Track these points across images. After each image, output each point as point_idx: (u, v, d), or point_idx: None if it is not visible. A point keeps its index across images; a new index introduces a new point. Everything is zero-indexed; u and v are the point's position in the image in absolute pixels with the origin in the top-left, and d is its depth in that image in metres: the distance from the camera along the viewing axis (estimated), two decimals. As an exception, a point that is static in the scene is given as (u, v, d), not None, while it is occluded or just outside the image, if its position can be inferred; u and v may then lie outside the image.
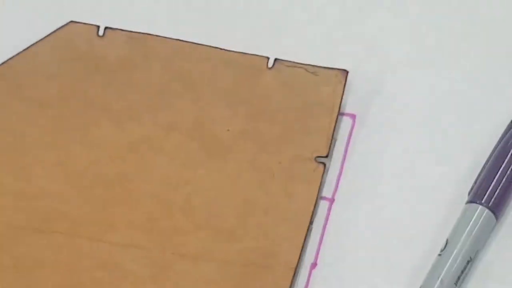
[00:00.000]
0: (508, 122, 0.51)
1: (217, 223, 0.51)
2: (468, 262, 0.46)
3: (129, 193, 0.53)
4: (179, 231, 0.51)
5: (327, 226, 0.49)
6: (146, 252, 0.50)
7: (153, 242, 0.51)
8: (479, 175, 0.48)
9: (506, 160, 0.48)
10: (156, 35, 0.58)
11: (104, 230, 0.51)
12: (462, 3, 0.60)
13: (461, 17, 0.59)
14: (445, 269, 0.45)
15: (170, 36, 0.57)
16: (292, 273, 0.47)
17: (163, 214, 0.52)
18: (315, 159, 0.51)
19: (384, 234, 0.49)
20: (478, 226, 0.46)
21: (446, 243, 0.46)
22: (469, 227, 0.46)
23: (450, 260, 0.46)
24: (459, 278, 0.46)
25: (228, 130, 0.53)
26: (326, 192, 0.50)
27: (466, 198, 0.48)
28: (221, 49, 0.56)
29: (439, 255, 0.46)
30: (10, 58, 0.56)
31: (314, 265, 0.48)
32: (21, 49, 0.56)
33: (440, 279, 0.45)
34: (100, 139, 0.54)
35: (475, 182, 0.48)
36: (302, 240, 0.48)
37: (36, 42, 0.57)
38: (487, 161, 0.49)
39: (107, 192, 0.53)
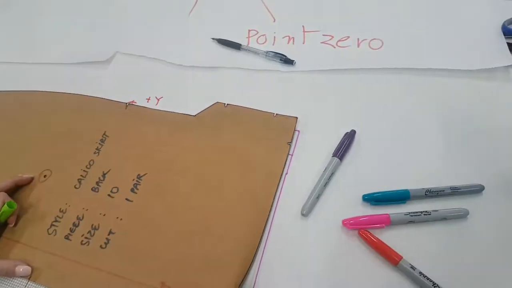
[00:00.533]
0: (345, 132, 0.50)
1: (251, 161, 0.49)
2: (331, 174, 0.47)
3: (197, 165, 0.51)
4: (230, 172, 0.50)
5: (291, 163, 0.49)
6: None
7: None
8: (335, 149, 0.48)
9: (344, 142, 0.49)
10: (239, 105, 0.54)
11: (196, 172, 0.50)
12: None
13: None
14: (324, 176, 0.46)
15: (248, 106, 0.54)
16: (278, 178, 0.48)
17: (214, 173, 0.50)
18: (287, 143, 0.50)
19: (308, 167, 0.48)
20: (335, 164, 0.47)
21: (325, 169, 0.47)
22: (332, 163, 0.47)
23: (326, 173, 0.47)
24: (329, 179, 0.47)
25: (261, 135, 0.52)
26: (291, 152, 0.50)
27: (331, 154, 0.48)
28: (257, 109, 0.54)
29: (324, 171, 0.47)
30: (194, 115, 0.55)
31: (286, 174, 0.48)
32: (201, 111, 0.55)
33: (323, 179, 0.46)
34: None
35: (334, 150, 0.48)
36: (282, 166, 0.49)
37: (204, 110, 0.55)
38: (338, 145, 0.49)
39: (190, 164, 0.51)
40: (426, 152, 0.47)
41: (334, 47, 0.56)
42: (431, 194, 0.43)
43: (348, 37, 0.56)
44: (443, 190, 0.43)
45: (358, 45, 0.55)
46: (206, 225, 0.45)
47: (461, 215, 0.41)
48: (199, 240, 0.45)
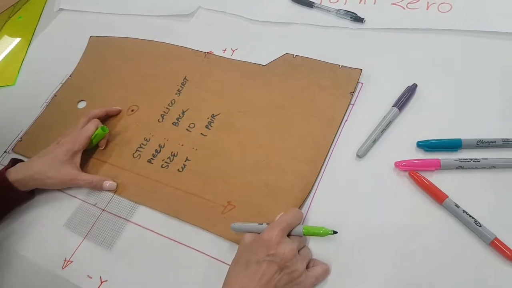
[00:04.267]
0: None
1: (314, 107, 0.54)
2: (389, 123, 0.50)
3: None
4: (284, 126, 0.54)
5: (351, 112, 0.53)
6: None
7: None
8: (396, 100, 0.52)
9: (404, 94, 0.52)
10: (307, 57, 0.59)
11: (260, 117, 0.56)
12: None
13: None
14: (382, 123, 0.50)
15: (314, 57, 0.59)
16: (338, 123, 0.52)
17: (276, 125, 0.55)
18: (349, 93, 0.54)
19: (367, 116, 0.52)
20: (394, 113, 0.50)
21: (383, 117, 0.51)
22: (391, 112, 0.50)
23: (384, 121, 0.50)
24: (386, 126, 0.50)
25: (325, 84, 0.55)
26: (352, 102, 0.53)
27: (390, 106, 0.51)
28: (323, 61, 0.58)
29: (382, 119, 0.50)
30: (265, 64, 0.60)
31: (346, 121, 0.52)
32: (271, 61, 0.61)
33: (380, 126, 0.50)
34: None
35: (395, 101, 0.51)
36: (343, 113, 0.52)
37: (274, 60, 0.61)
38: (398, 96, 0.54)
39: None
40: (482, 109, 0.49)
41: (404, 9, 0.60)
42: (482, 144, 0.46)
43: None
44: (495, 142, 0.45)
45: (427, 8, 0.59)
46: (270, 159, 0.52)
47: (511, 165, 0.44)
48: (263, 171, 0.51)
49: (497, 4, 0.56)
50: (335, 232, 0.43)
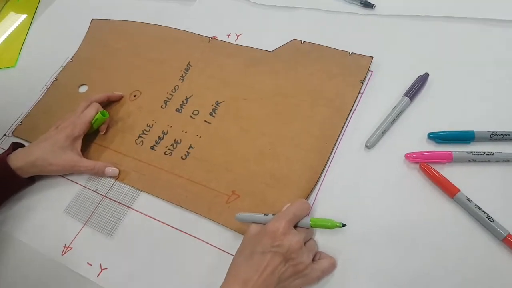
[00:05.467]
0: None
1: (322, 95, 0.52)
2: (400, 113, 0.48)
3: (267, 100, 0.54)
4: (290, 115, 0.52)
5: (360, 101, 0.51)
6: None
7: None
8: (407, 89, 0.50)
9: (416, 84, 0.50)
10: (315, 43, 0.57)
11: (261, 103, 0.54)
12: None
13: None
14: (392, 114, 0.48)
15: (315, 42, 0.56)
16: (347, 112, 0.50)
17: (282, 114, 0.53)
18: (359, 81, 0.52)
19: (377, 106, 0.50)
20: (405, 103, 0.49)
21: (394, 107, 0.50)
22: (402, 102, 0.49)
23: (394, 111, 0.48)
24: (397, 116, 0.49)
25: (334, 71, 0.53)
26: (361, 91, 0.52)
27: (400, 96, 0.50)
28: (333, 47, 0.55)
29: (393, 109, 0.49)
30: (271, 50, 0.58)
31: (354, 110, 0.50)
32: (278, 47, 0.59)
33: (390, 116, 0.48)
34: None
35: (406, 90, 0.50)
36: (352, 102, 0.51)
37: (281, 46, 0.59)
38: (410, 86, 0.51)
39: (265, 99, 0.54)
40: (496, 100, 0.47)
41: (416, -5, 0.57)
42: (496, 137, 0.44)
43: (431, -15, 0.57)
44: (509, 134, 0.44)
45: (441, -6, 0.56)
46: (275, 149, 0.50)
47: (526, 159, 0.43)
48: (268, 160, 0.50)
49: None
50: (343, 225, 0.41)
